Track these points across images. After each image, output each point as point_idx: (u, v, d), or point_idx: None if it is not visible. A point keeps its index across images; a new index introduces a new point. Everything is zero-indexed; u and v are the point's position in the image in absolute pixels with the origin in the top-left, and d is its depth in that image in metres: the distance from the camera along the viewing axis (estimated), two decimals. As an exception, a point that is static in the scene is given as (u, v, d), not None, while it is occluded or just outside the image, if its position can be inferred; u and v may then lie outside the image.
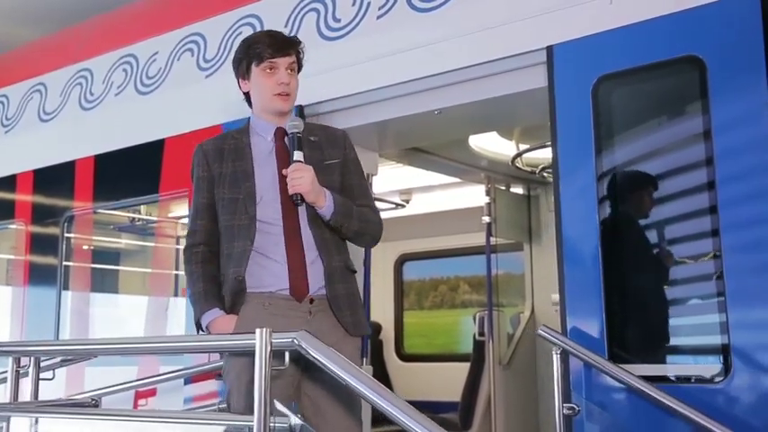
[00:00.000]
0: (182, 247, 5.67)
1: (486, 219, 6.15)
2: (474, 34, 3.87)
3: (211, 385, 4.47)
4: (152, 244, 6.28)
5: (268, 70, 3.01)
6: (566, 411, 3.29)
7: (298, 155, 2.92)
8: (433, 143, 5.23)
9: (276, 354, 2.26)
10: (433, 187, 7.06)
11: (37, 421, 2.94)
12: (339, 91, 4.35)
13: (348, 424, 2.82)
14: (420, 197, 7.28)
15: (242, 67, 3.10)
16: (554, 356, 3.35)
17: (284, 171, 2.93)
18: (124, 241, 6.29)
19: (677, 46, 3.28)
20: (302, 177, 2.86)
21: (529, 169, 5.78)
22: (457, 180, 6.64)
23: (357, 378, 2.16)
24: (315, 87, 4.29)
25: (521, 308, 6.73)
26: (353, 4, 4.39)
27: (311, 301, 2.90)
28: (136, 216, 6.06)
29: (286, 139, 3.03)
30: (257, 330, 2.23)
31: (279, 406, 2.21)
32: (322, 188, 2.91)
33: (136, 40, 5.51)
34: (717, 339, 3.09)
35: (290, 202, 2.92)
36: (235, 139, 3.09)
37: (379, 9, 4.27)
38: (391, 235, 5.13)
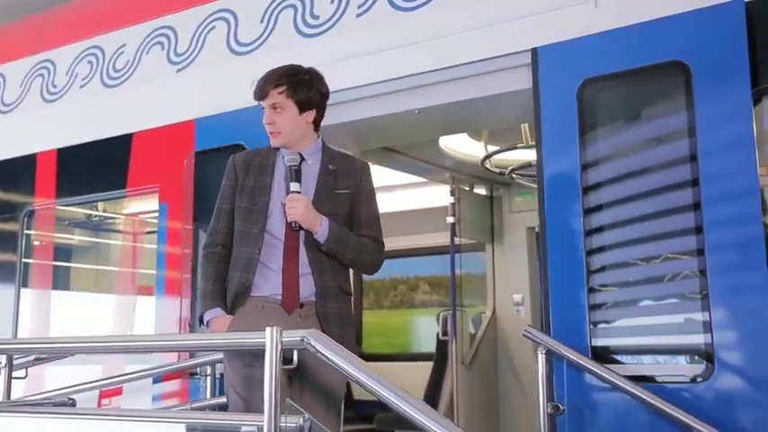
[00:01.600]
0: (147, 245, 5.61)
1: (451, 219, 6.19)
2: (458, 35, 3.88)
3: (181, 384, 4.41)
4: (118, 242, 6.15)
5: (263, 109, 3.27)
6: (550, 410, 3.32)
7: (294, 186, 3.13)
8: (406, 143, 5.23)
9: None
10: (393, 187, 7.06)
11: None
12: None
13: (331, 423, 2.93)
14: (380, 197, 7.26)
15: None
16: (539, 356, 3.39)
17: (282, 200, 3.14)
18: (87, 238, 6.16)
19: (662, 51, 3.33)
20: (296, 207, 3.07)
21: (497, 170, 5.82)
22: (418, 180, 6.66)
23: (370, 376, 2.15)
24: (292, 84, 4.26)
25: (482, 308, 6.79)
26: (332, 2, 4.37)
27: (301, 305, 3.07)
28: (93, 213, 5.96)
29: (303, 165, 3.22)
30: (267, 329, 2.21)
31: (289, 405, 2.18)
32: (319, 216, 3.10)
33: (102, 32, 5.39)
34: (700, 339, 3.15)
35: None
36: (262, 156, 3.29)
37: (359, 7, 4.25)
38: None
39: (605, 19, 3.49)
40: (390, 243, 7.50)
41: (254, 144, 4.14)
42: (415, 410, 2.06)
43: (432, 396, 6.35)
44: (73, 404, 3.27)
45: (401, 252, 7.66)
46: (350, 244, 3.16)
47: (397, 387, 2.14)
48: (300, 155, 3.21)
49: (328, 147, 3.34)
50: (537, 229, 6.55)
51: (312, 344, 2.23)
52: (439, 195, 6.68)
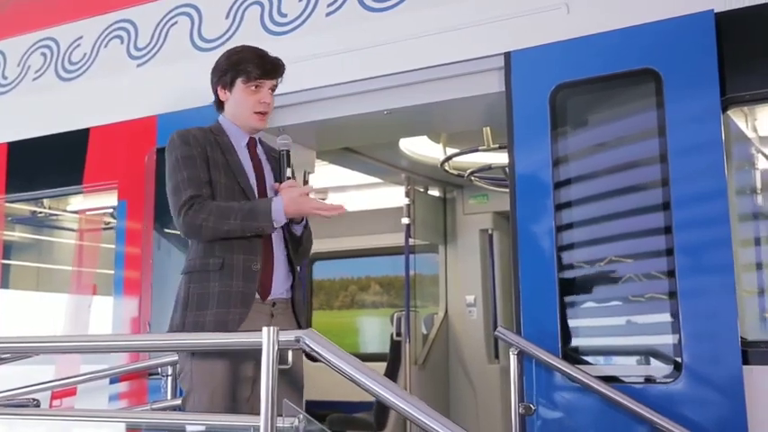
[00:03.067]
0: (102, 244, 5.47)
1: (406, 220, 6.22)
2: (429, 37, 3.89)
3: (140, 384, 4.33)
4: (71, 240, 5.98)
5: (252, 88, 3.13)
6: (522, 411, 3.36)
7: (289, 172, 3.06)
8: (370, 143, 5.23)
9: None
10: (347, 187, 7.07)
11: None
12: (282, 87, 4.27)
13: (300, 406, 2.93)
14: (334, 197, 7.27)
15: (225, 78, 3.18)
16: (511, 356, 3.42)
17: (276, 186, 3.05)
18: (35, 236, 5.99)
19: (634, 58, 3.40)
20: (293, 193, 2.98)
21: (456, 172, 5.87)
22: (372, 181, 6.67)
23: (368, 376, 2.15)
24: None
25: (434, 309, 6.84)
26: (300, 0, 4.34)
27: (273, 303, 3.01)
28: (38, 209, 5.80)
29: (258, 150, 3.16)
30: (264, 329, 2.19)
31: (288, 404, 2.17)
32: None
33: (55, 24, 5.25)
34: (669, 340, 3.23)
35: None
36: (216, 135, 3.14)
37: (329, 6, 4.24)
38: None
39: (578, 25, 3.54)
40: (343, 243, 7.57)
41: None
42: (417, 411, 2.06)
43: (385, 397, 6.36)
44: (37, 405, 3.18)
45: (353, 252, 7.67)
46: (311, 239, 3.18)
47: (397, 387, 2.14)
48: (253, 138, 3.19)
49: None
50: (490, 232, 6.70)
51: (308, 343, 2.22)
52: (392, 196, 6.71)
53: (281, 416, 2.15)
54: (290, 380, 2.91)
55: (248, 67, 3.11)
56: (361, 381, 2.16)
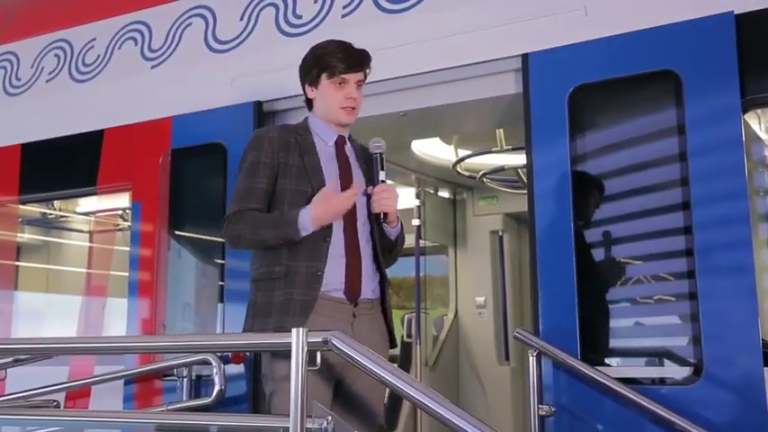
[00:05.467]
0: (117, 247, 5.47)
1: (416, 221, 6.21)
2: (446, 38, 3.90)
3: (155, 385, 4.33)
4: (85, 243, 5.99)
5: (338, 84, 3.05)
6: (541, 412, 3.36)
7: (382, 175, 3.00)
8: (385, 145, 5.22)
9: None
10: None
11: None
12: (297, 89, 4.29)
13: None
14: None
15: (311, 75, 3.11)
16: (530, 358, 3.41)
17: (369, 189, 2.99)
18: (51, 238, 6.00)
19: (653, 60, 3.40)
20: (390, 198, 2.96)
21: (468, 174, 5.86)
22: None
23: (398, 377, 2.15)
24: (273, 83, 4.24)
25: (443, 310, 6.83)
26: (315, 2, 4.35)
27: (356, 304, 2.94)
28: (49, 211, 5.80)
29: (346, 149, 3.10)
30: (293, 330, 2.19)
31: (317, 406, 2.17)
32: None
33: (69, 25, 5.26)
34: (689, 342, 3.23)
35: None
36: (300, 135, 3.08)
37: (344, 8, 4.24)
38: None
39: (596, 27, 3.54)
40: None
41: (233, 143, 4.11)
42: (448, 412, 2.06)
43: (395, 397, 6.35)
44: (57, 406, 3.19)
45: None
46: (404, 239, 3.11)
47: (427, 389, 2.14)
48: (342, 137, 3.12)
49: None
50: (500, 233, 6.69)
51: (336, 344, 2.21)
52: (402, 198, 6.67)
53: (311, 417, 2.15)
54: (358, 410, 2.86)
55: (332, 61, 3.02)
56: (391, 382, 2.16)
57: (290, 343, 2.17)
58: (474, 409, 6.52)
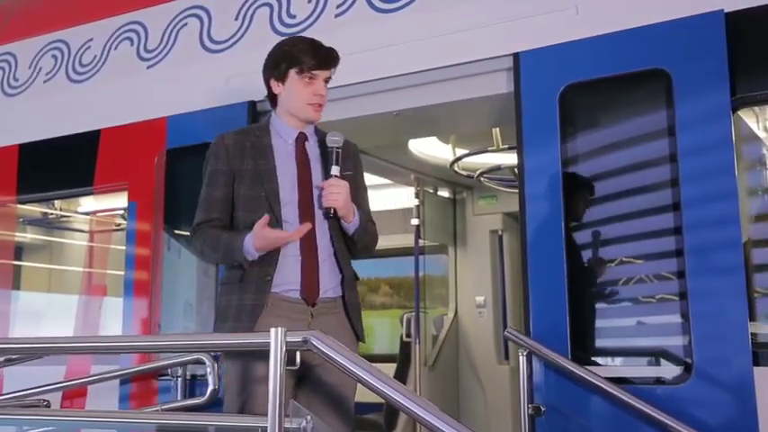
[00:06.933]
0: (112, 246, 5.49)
1: (415, 221, 6.21)
2: (438, 38, 3.90)
3: (150, 385, 4.34)
4: (82, 241, 6.01)
5: (307, 79, 3.04)
6: (531, 412, 3.35)
7: (335, 169, 2.96)
8: (379, 144, 5.23)
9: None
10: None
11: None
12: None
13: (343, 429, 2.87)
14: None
15: (279, 69, 3.08)
16: (520, 357, 3.41)
17: (321, 184, 2.95)
18: (53, 238, 6.02)
19: (644, 59, 3.39)
20: (339, 193, 2.91)
21: (466, 173, 5.86)
22: (380, 182, 6.66)
23: (376, 377, 2.15)
24: (266, 83, 4.23)
25: (443, 310, 6.83)
26: (309, 2, 4.35)
27: (314, 304, 2.93)
28: (50, 211, 5.82)
29: (307, 146, 3.07)
30: (272, 330, 2.19)
31: (295, 406, 2.17)
32: (351, 203, 2.96)
33: (66, 26, 5.28)
34: (679, 342, 3.21)
35: (307, 206, 2.96)
36: (257, 137, 3.08)
37: (338, 8, 4.24)
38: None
39: (587, 26, 3.53)
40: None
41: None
42: (424, 411, 2.06)
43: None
44: (48, 406, 3.20)
45: (363, 253, 7.64)
46: (368, 231, 3.06)
47: (404, 388, 2.14)
48: (303, 134, 3.09)
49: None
50: (499, 232, 6.69)
51: (315, 344, 2.22)
52: (401, 197, 6.70)
53: (288, 416, 2.15)
54: (333, 405, 2.83)
55: (302, 57, 3.01)
56: (369, 382, 2.16)
57: (269, 342, 2.17)
58: (474, 409, 6.52)
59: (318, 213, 2.96)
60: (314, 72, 3.02)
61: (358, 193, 3.11)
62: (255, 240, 2.81)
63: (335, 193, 2.90)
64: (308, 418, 2.16)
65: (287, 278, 2.89)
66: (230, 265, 2.97)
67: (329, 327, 2.70)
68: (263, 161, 3.00)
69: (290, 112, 3.11)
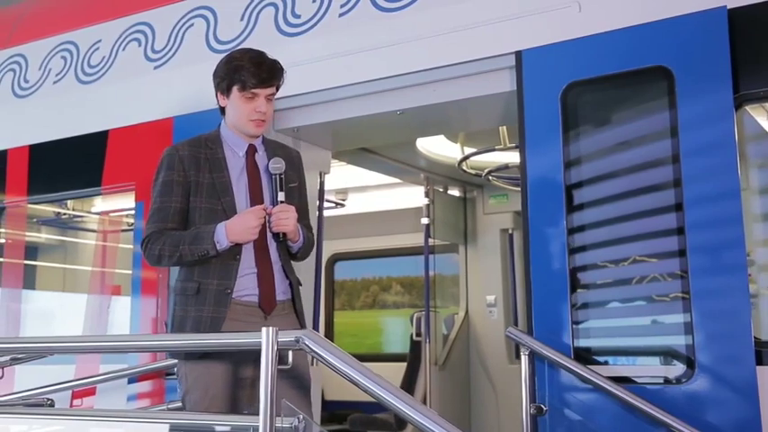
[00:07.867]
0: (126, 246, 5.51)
1: (425, 220, 6.21)
2: (441, 36, 3.88)
3: (158, 384, 4.36)
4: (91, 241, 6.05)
5: (248, 97, 3.14)
6: (533, 411, 3.34)
7: (282, 195, 3.09)
8: (385, 143, 5.23)
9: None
10: (368, 188, 7.07)
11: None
12: (296, 88, 4.29)
13: (305, 408, 2.91)
14: (355, 197, 7.28)
15: (222, 85, 3.21)
16: (522, 357, 3.40)
17: (268, 209, 3.07)
18: (66, 237, 6.07)
19: (646, 56, 3.37)
20: (288, 219, 3.05)
21: (474, 172, 5.84)
22: (392, 181, 6.67)
23: (366, 377, 2.15)
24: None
25: (454, 309, 6.82)
26: (314, 1, 4.35)
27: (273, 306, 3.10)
28: (63, 211, 5.86)
29: (256, 157, 3.20)
30: (263, 330, 2.20)
31: (286, 405, 2.17)
32: (298, 225, 3.12)
33: (75, 27, 5.31)
34: (681, 341, 3.19)
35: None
36: (210, 149, 3.18)
37: (342, 7, 4.24)
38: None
39: (589, 23, 3.52)
40: (364, 243, 7.57)
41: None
42: (413, 410, 2.06)
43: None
44: (51, 405, 3.22)
45: (374, 252, 7.67)
46: (307, 243, 3.21)
47: (394, 387, 2.14)
48: (253, 146, 3.21)
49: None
50: (510, 231, 6.67)
51: (307, 344, 2.22)
52: (412, 196, 6.70)
53: (281, 416, 2.15)
54: (294, 382, 2.93)
55: (243, 75, 3.11)
56: (360, 381, 2.16)
57: (260, 342, 2.17)
58: (485, 409, 6.51)
59: (268, 231, 3.10)
60: (254, 91, 3.11)
61: (301, 201, 3.27)
62: (232, 221, 2.95)
63: (285, 218, 3.04)
64: (300, 417, 2.16)
65: (245, 286, 3.03)
66: (184, 277, 3.07)
67: (283, 327, 2.82)
68: (218, 174, 3.12)
69: (234, 126, 3.22)
